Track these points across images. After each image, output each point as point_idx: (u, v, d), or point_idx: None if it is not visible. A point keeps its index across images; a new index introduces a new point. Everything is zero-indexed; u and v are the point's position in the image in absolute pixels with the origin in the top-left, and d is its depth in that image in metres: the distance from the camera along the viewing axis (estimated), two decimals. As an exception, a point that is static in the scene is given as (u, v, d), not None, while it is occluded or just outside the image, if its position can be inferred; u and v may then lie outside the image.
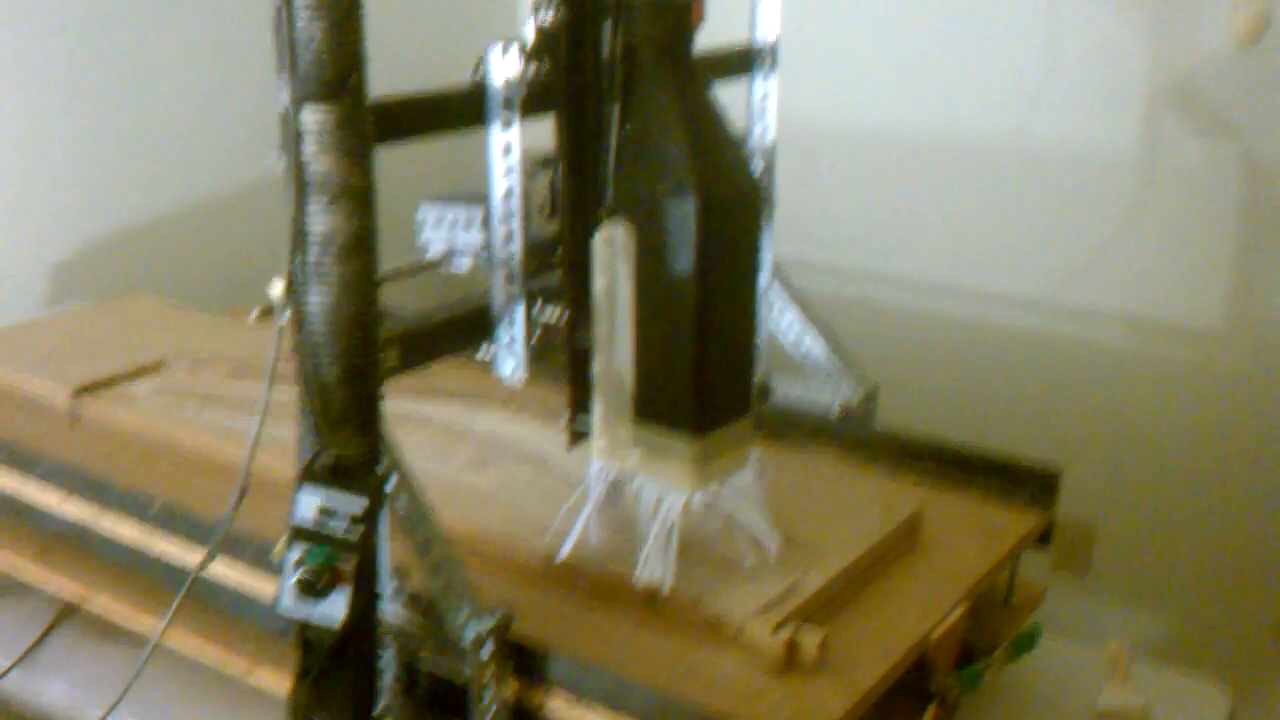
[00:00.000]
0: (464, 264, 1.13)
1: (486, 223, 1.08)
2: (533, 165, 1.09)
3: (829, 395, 1.41)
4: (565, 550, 1.08)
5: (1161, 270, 1.97)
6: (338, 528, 0.87)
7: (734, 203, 0.97)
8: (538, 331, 1.11)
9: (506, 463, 1.32)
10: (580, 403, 1.11)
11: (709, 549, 1.09)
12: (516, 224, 1.07)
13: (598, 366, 1.07)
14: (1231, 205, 1.89)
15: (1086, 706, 1.25)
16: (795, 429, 1.42)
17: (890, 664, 1.02)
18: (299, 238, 0.87)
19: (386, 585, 1.01)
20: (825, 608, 1.08)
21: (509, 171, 1.05)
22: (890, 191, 2.21)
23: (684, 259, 0.96)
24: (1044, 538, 1.31)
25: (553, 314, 1.10)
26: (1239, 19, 1.60)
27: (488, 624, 0.96)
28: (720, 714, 0.93)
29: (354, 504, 0.87)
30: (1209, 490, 2.00)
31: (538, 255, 1.11)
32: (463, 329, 1.12)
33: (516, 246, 1.07)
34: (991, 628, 1.23)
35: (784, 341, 1.44)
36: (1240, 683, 1.91)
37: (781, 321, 1.43)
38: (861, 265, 2.25)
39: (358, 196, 0.88)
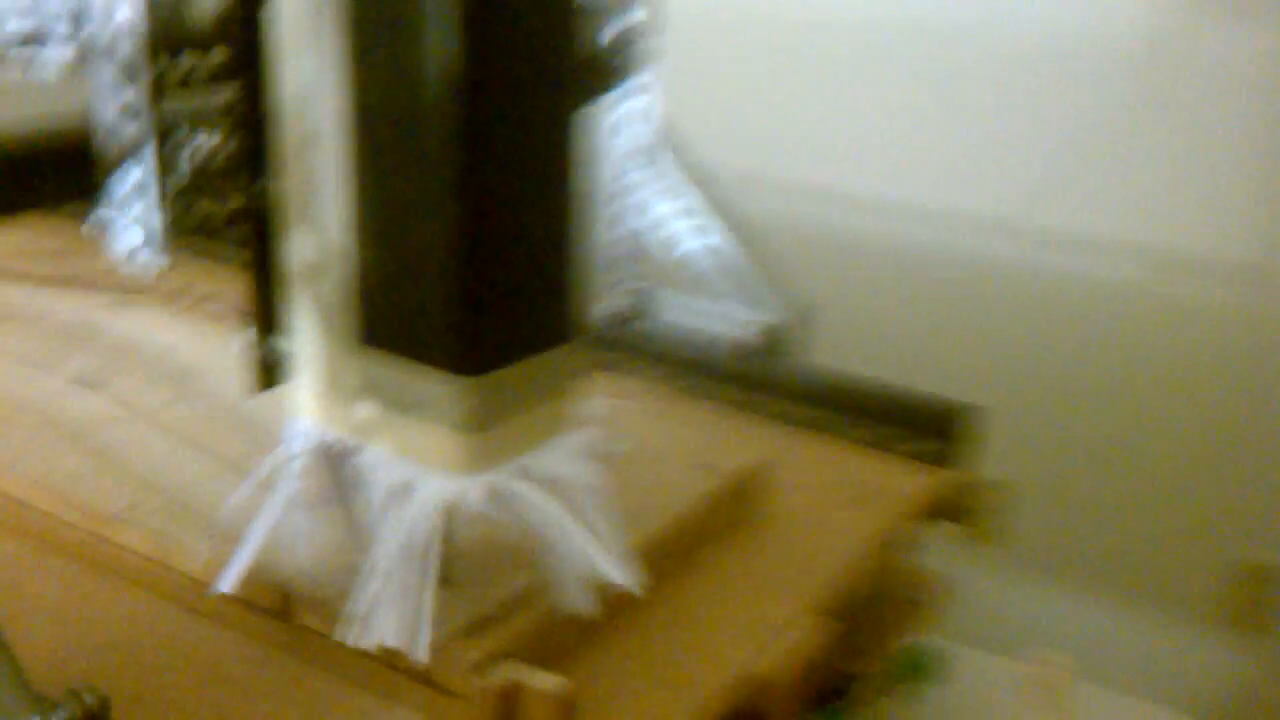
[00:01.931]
0: (57, 57, 0.63)
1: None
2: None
3: (734, 320, 0.96)
4: (229, 579, 0.60)
5: (1176, 188, 1.53)
6: None
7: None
8: (181, 180, 0.62)
9: (131, 381, 0.84)
10: (269, 312, 0.62)
11: (499, 576, 0.63)
12: (129, -30, 0.57)
13: (297, 246, 0.59)
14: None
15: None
16: (660, 362, 0.97)
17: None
18: None
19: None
20: (582, 630, 0.64)
21: None
22: (831, 87, 1.72)
23: (439, 33, 0.48)
24: (954, 509, 0.90)
25: (210, 147, 0.61)
26: None
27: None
28: None
29: None
30: (1190, 455, 1.61)
31: (191, 43, 0.61)
32: (49, 169, 0.62)
33: (131, 19, 0.57)
34: (876, 639, 0.83)
35: (673, 238, 0.98)
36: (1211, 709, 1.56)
37: (671, 210, 0.96)
38: (796, 178, 1.77)
39: None
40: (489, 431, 0.56)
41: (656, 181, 0.96)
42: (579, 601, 0.59)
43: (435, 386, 0.56)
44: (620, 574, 0.58)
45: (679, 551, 0.72)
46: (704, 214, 0.96)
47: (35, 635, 0.61)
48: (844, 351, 1.03)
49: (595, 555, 0.58)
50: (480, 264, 0.54)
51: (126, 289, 0.99)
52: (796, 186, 1.73)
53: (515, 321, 0.57)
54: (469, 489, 0.56)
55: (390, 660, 0.58)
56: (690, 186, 0.95)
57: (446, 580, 0.58)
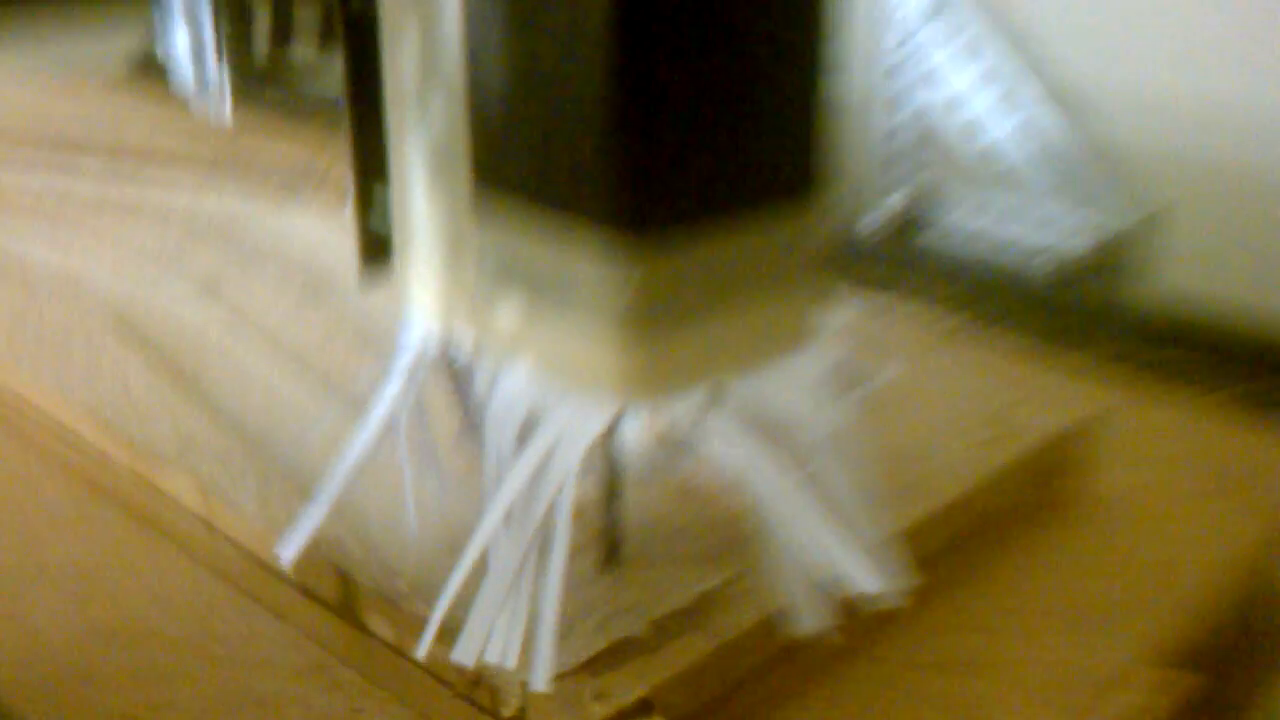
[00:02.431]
0: None
1: None
2: None
3: (1054, 227, 0.71)
4: (285, 554, 0.41)
5: None
6: None
7: None
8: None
9: (258, 287, 0.68)
10: (375, 157, 0.43)
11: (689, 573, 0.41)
12: None
13: (392, 67, 0.39)
14: None
15: None
16: (947, 281, 0.73)
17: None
18: None
19: None
20: (803, 663, 0.40)
21: None
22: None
23: None
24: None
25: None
26: None
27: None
28: None
29: None
30: None
31: None
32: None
33: None
34: (1254, 697, 0.57)
35: (973, 122, 0.74)
36: None
37: (969, 79, 0.73)
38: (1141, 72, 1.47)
39: None
40: (669, 332, 0.35)
41: (950, 38, 0.72)
42: (803, 617, 0.37)
43: (586, 255, 0.34)
44: (871, 578, 0.35)
45: (957, 552, 0.48)
46: (1013, 79, 0.71)
47: (50, 608, 0.44)
48: (1209, 274, 0.76)
49: (834, 546, 0.35)
50: (655, 55, 0.32)
51: (290, 176, 0.83)
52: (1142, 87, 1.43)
53: (713, 158, 0.35)
54: (632, 424, 0.34)
55: (479, 689, 0.37)
56: (994, 39, 0.70)
57: (589, 571, 0.37)
